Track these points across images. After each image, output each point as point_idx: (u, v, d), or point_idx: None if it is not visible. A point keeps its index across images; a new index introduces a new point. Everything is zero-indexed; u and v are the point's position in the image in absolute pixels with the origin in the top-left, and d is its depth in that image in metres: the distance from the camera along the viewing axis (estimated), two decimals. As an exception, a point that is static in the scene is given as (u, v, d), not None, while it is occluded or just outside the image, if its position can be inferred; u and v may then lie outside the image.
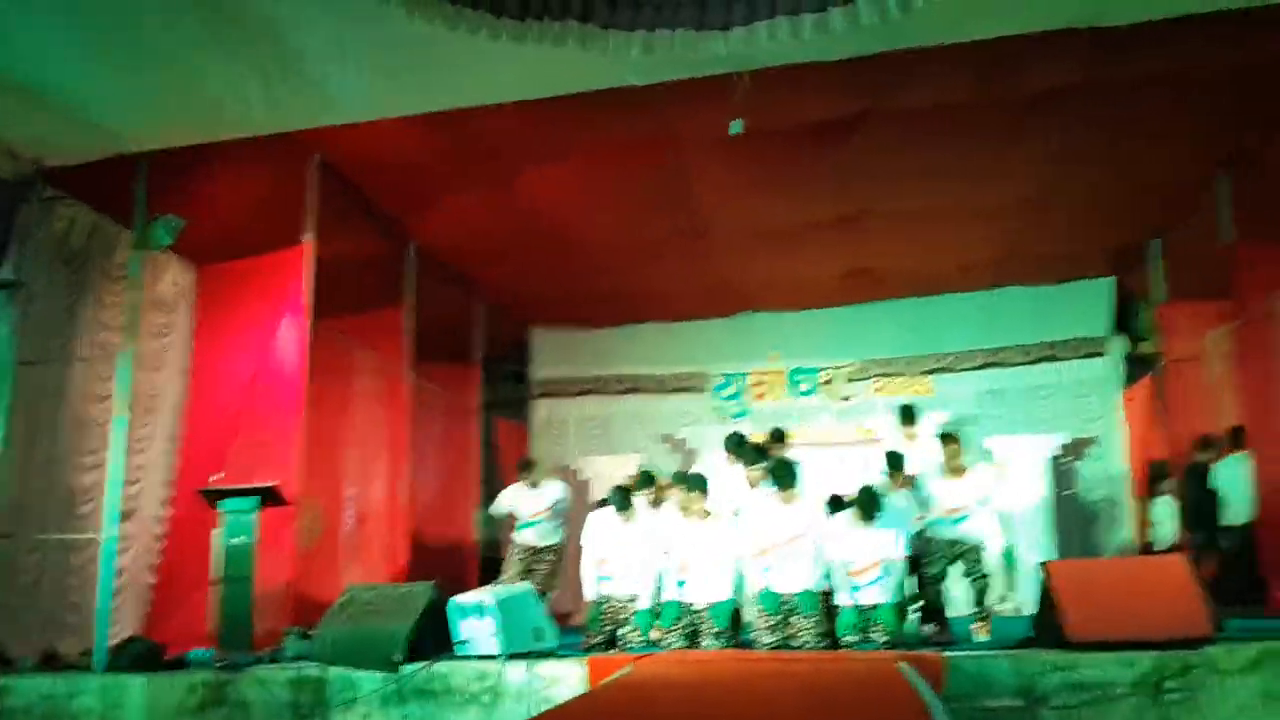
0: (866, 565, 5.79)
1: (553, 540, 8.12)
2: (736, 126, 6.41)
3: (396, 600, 5.56)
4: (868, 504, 5.76)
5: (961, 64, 6.37)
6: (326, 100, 6.00)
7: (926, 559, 6.56)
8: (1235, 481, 8.16)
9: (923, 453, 6.90)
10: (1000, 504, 8.83)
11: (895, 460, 6.78)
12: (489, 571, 9.02)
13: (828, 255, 10.21)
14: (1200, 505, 8.79)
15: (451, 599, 5.47)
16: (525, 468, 8.31)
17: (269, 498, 6.06)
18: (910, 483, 6.70)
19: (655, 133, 7.45)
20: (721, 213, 9.03)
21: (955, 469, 6.58)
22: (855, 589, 5.77)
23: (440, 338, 9.89)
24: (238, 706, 5.18)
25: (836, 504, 6.38)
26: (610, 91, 6.03)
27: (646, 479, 6.90)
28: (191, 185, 6.87)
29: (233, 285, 7.50)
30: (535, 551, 8.07)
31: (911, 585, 6.40)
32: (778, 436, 7.60)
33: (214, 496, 6.09)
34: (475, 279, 10.52)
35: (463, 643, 5.35)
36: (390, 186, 8.13)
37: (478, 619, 5.27)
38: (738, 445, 7.03)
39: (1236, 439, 8.40)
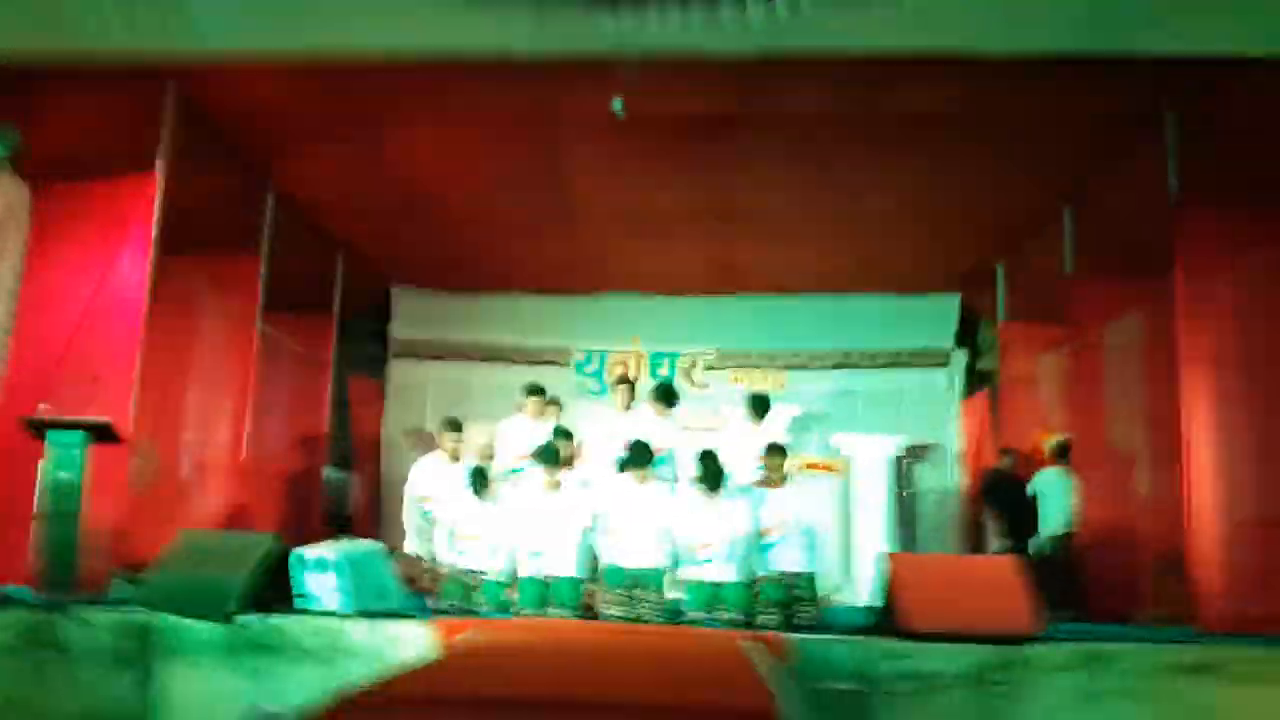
0: (712, 540, 5.89)
1: None
2: (617, 105, 6.41)
3: (235, 549, 5.34)
4: (712, 474, 5.86)
5: (838, 77, 6.58)
6: (189, 27, 5.57)
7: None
8: (1055, 491, 8.69)
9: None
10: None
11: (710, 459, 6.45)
12: (335, 527, 8.78)
13: (693, 245, 10.38)
14: (1005, 512, 9.42)
15: (294, 551, 5.30)
16: (450, 425, 7.36)
17: (100, 433, 5.73)
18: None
19: (533, 108, 7.37)
20: (592, 192, 9.05)
21: (778, 480, 6.33)
22: (700, 564, 5.88)
23: (296, 288, 9.54)
24: (56, 648, 4.87)
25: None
26: (492, 60, 5.84)
27: (565, 435, 6.74)
28: (37, 101, 6.41)
29: (73, 208, 7.00)
30: None
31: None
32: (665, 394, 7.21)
33: (39, 427, 5.70)
34: (337, 232, 10.19)
35: (304, 597, 5.19)
36: (253, 129, 7.75)
37: (321, 573, 5.12)
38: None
39: (1062, 452, 8.96)
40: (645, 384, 10.46)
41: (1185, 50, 5.46)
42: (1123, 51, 5.41)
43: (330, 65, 6.32)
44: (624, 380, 7.27)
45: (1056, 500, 8.71)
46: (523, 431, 6.98)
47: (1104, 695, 4.64)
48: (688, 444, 6.75)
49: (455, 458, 6.82)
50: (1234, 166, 6.54)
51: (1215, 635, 5.61)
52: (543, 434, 6.84)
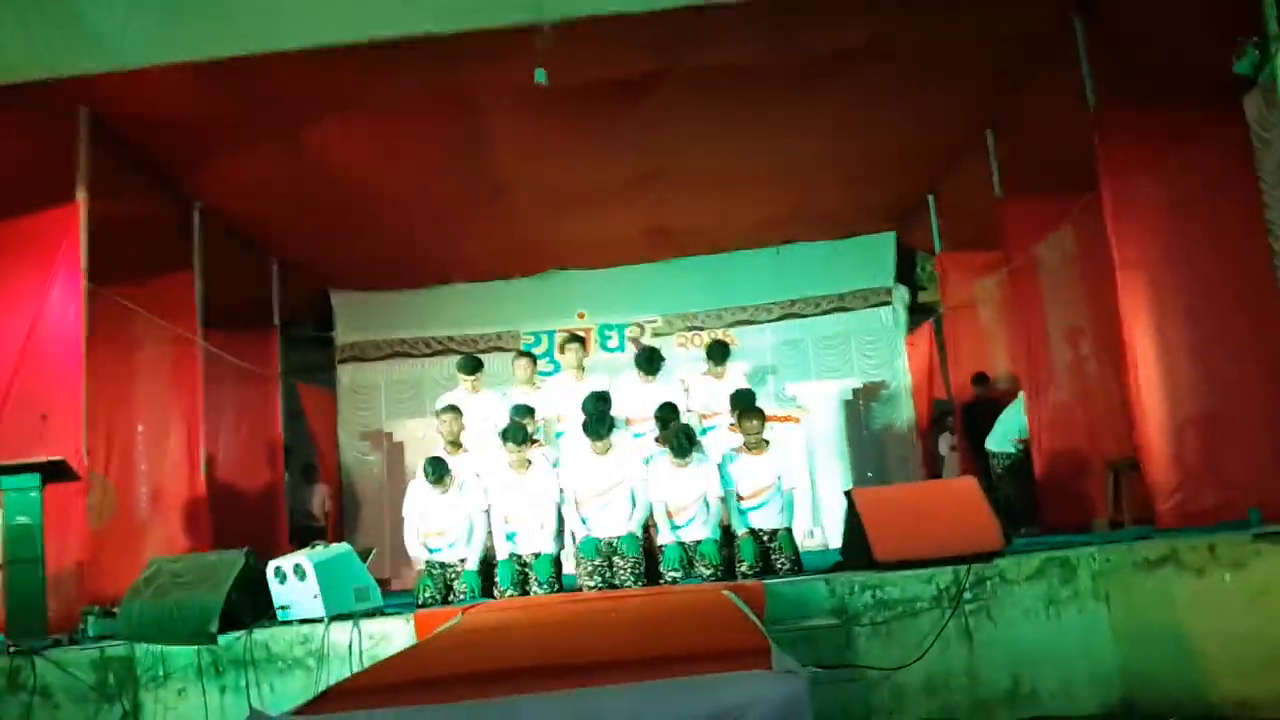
0: (686, 504, 5.97)
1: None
2: (541, 76, 6.34)
3: (206, 569, 5.28)
4: (682, 442, 5.91)
5: (755, 23, 6.58)
6: (92, 42, 5.40)
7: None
8: (1015, 414, 8.88)
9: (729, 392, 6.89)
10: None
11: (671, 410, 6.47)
12: (302, 538, 8.72)
13: (628, 214, 10.41)
14: (978, 438, 9.57)
15: (269, 564, 5.27)
16: (433, 469, 6.15)
17: (54, 473, 5.62)
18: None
19: (450, 87, 7.30)
20: (521, 171, 9.00)
21: (757, 445, 6.16)
22: (676, 528, 5.95)
23: (233, 303, 9.44)
24: (37, 693, 4.82)
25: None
26: (403, 41, 5.74)
27: (527, 411, 6.55)
28: (-55, 137, 6.25)
29: (-2, 248, 6.86)
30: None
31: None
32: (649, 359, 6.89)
33: (-9, 474, 5.59)
34: (269, 240, 10.08)
35: (283, 608, 5.17)
36: (168, 142, 7.59)
37: (298, 582, 5.10)
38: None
39: (980, 383, 9.25)
40: (595, 358, 10.54)
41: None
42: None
43: (239, 68, 6.19)
44: (574, 338, 7.22)
45: (1009, 420, 8.89)
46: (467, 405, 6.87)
47: (1072, 599, 4.82)
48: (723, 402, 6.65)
49: (456, 445, 6.55)
50: (1146, 67, 6.63)
51: (1171, 530, 5.80)
52: (479, 405, 6.81)
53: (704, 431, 6.72)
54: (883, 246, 11.85)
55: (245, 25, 5.50)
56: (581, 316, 11.45)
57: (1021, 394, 8.81)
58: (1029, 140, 8.53)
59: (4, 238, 6.79)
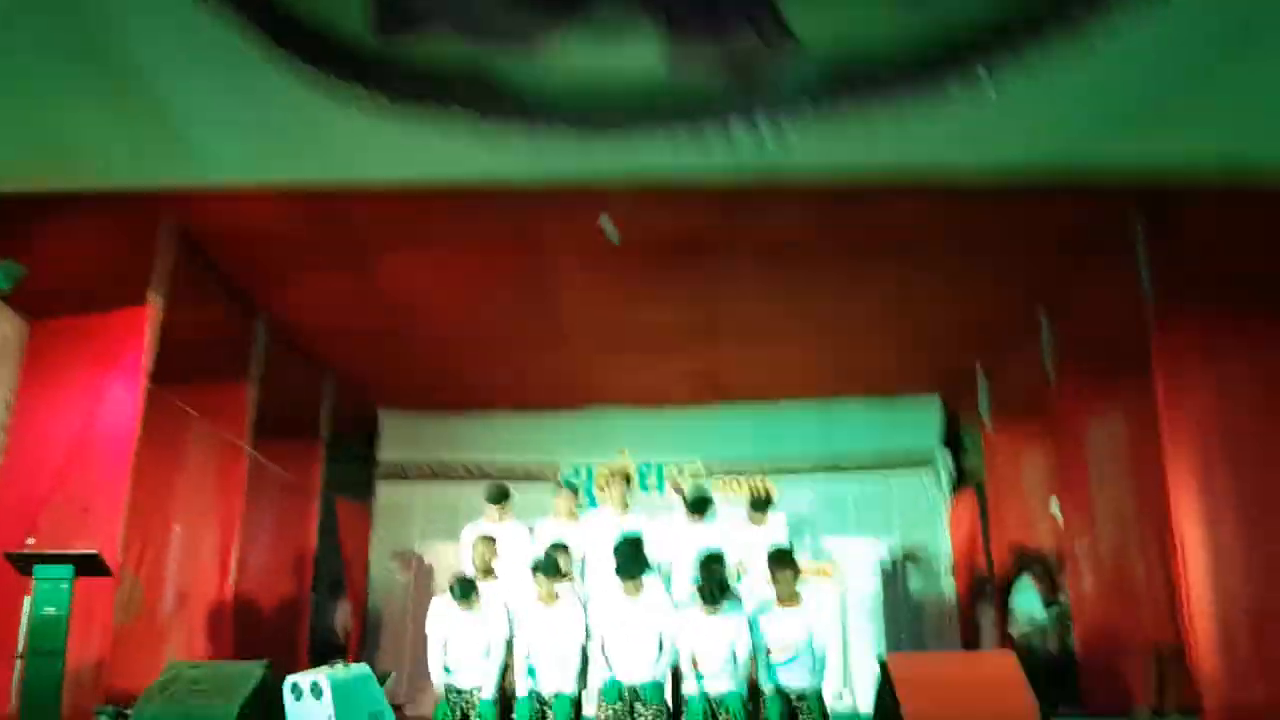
0: (713, 653, 5.83)
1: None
2: (611, 230, 6.54)
3: (224, 679, 5.25)
4: (714, 591, 5.81)
5: (818, 195, 6.69)
6: (192, 159, 5.72)
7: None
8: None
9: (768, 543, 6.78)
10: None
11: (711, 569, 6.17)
12: (322, 654, 8.60)
13: (677, 359, 10.49)
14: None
15: (285, 679, 5.21)
16: (461, 588, 6.14)
17: (88, 566, 5.66)
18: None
19: (521, 231, 7.53)
20: (577, 313, 9.18)
21: (791, 597, 6.02)
22: (701, 678, 5.80)
23: (284, 414, 9.57)
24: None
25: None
26: (480, 185, 5.99)
27: (561, 547, 6.49)
28: (36, 234, 6.51)
29: (67, 342, 7.08)
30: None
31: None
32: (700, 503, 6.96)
33: (26, 562, 5.64)
34: (325, 357, 10.29)
35: (296, 726, 5.10)
36: (245, 258, 7.90)
37: (313, 700, 5.02)
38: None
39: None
40: (633, 497, 10.46)
41: (1149, 163, 5.71)
42: (1089, 165, 5.62)
43: (323, 195, 6.50)
44: (619, 474, 7.21)
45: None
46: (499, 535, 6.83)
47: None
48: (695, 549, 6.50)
49: (488, 572, 6.56)
50: (1206, 269, 6.71)
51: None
52: (509, 536, 6.76)
53: (739, 579, 6.60)
54: (929, 409, 11.82)
55: (337, 157, 5.77)
56: (623, 453, 11.43)
57: (1025, 575, 8.71)
58: (1082, 321, 8.58)
59: (75, 332, 7.06)
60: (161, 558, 7.90)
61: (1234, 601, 6.13)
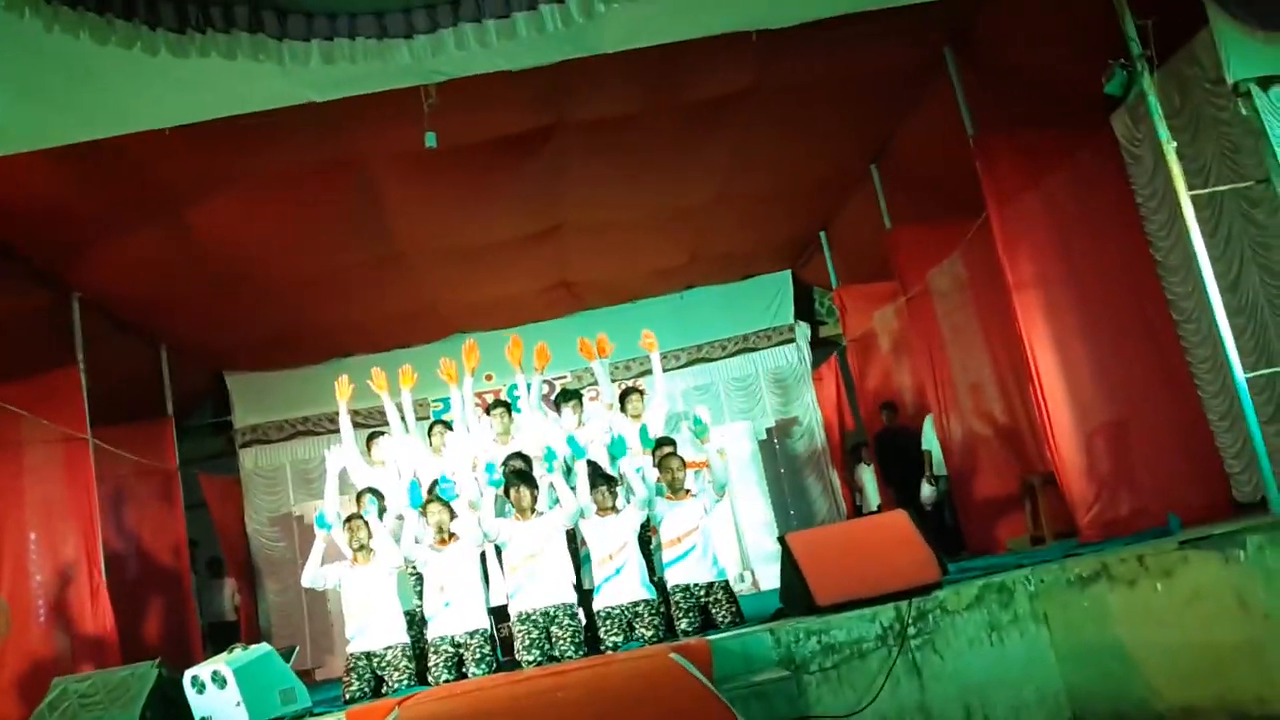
0: (612, 551, 5.74)
1: None
2: (431, 139, 6.22)
3: (116, 687, 4.93)
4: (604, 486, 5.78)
5: (638, 72, 6.61)
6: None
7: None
8: (933, 439, 9.00)
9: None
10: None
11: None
12: (219, 640, 8.27)
13: (528, 271, 10.34)
14: (893, 466, 9.67)
15: (185, 673, 4.94)
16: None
17: (-61, 597, 5.23)
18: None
19: (336, 155, 7.17)
20: (415, 235, 8.86)
21: (677, 487, 5.91)
22: (607, 582, 5.70)
23: (123, 395, 9.00)
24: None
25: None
26: (283, 112, 5.54)
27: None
28: None
29: None
30: None
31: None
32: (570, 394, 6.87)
33: None
34: (156, 327, 9.68)
35: (205, 719, 4.85)
36: (39, 232, 7.22)
37: (218, 691, 4.79)
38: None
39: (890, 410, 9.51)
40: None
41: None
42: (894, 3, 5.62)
43: (106, 151, 5.91)
44: (499, 404, 7.00)
45: (935, 446, 8.99)
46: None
47: (1013, 623, 4.85)
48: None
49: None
50: (1019, 92, 6.88)
51: (1095, 543, 5.91)
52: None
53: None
54: (781, 285, 12.03)
55: (120, 104, 5.26)
56: (490, 378, 11.22)
57: (929, 417, 8.95)
58: (913, 170, 8.79)
59: None
60: (22, 570, 7.40)
61: (1092, 422, 6.48)
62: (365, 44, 4.94)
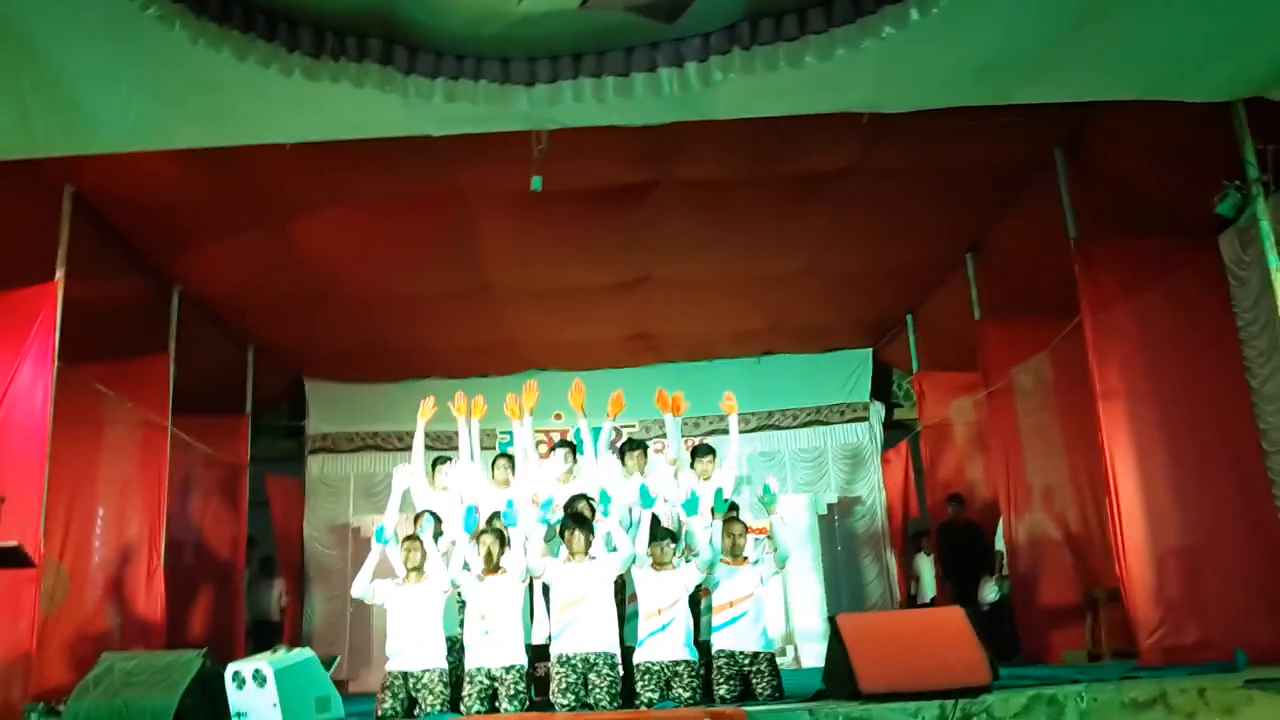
0: (663, 607, 5.71)
1: None
2: (537, 183, 6.37)
3: (161, 670, 5.03)
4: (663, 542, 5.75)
5: (744, 139, 6.69)
6: (91, 127, 5.40)
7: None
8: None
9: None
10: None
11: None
12: (260, 637, 8.40)
13: (610, 319, 10.45)
14: (954, 559, 9.47)
15: (226, 667, 5.03)
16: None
17: (10, 559, 5.40)
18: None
19: (441, 186, 7.37)
20: (506, 271, 9.04)
21: (738, 552, 5.88)
22: (651, 638, 5.67)
23: (207, 388, 9.29)
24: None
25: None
26: (396, 140, 5.78)
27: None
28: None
29: (-31, 326, 6.72)
30: None
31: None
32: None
33: (-56, 560, 5.36)
34: (246, 326, 9.99)
35: (239, 715, 4.91)
36: (152, 225, 7.57)
37: (257, 688, 4.85)
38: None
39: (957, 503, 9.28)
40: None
41: (1065, 98, 5.77)
42: (1008, 102, 5.63)
43: (231, 158, 6.20)
44: (564, 444, 7.02)
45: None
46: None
47: (1061, 738, 4.68)
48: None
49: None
50: (1127, 202, 6.82)
51: (1155, 668, 5.70)
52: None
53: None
54: (860, 362, 11.95)
55: (248, 117, 5.50)
56: (559, 418, 11.31)
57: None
58: (1008, 265, 8.70)
59: (-23, 314, 6.67)
60: (86, 542, 7.60)
61: (1166, 541, 6.27)
62: (488, 87, 5.11)
